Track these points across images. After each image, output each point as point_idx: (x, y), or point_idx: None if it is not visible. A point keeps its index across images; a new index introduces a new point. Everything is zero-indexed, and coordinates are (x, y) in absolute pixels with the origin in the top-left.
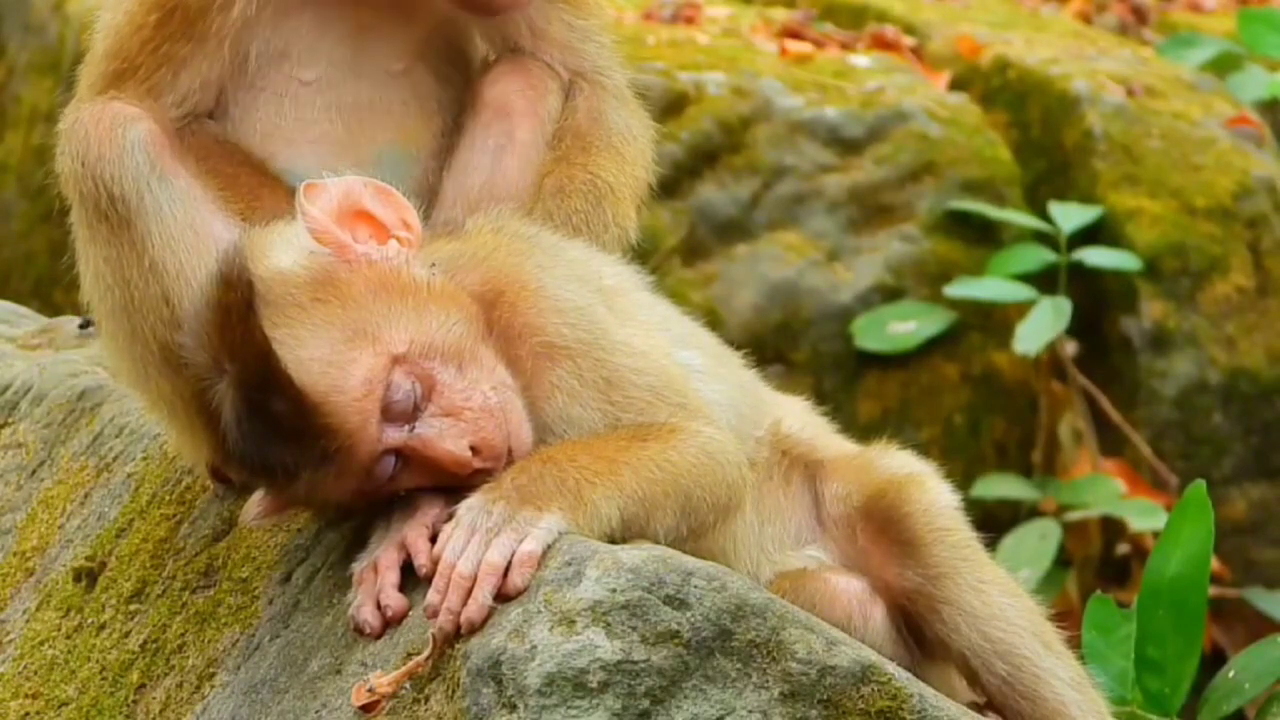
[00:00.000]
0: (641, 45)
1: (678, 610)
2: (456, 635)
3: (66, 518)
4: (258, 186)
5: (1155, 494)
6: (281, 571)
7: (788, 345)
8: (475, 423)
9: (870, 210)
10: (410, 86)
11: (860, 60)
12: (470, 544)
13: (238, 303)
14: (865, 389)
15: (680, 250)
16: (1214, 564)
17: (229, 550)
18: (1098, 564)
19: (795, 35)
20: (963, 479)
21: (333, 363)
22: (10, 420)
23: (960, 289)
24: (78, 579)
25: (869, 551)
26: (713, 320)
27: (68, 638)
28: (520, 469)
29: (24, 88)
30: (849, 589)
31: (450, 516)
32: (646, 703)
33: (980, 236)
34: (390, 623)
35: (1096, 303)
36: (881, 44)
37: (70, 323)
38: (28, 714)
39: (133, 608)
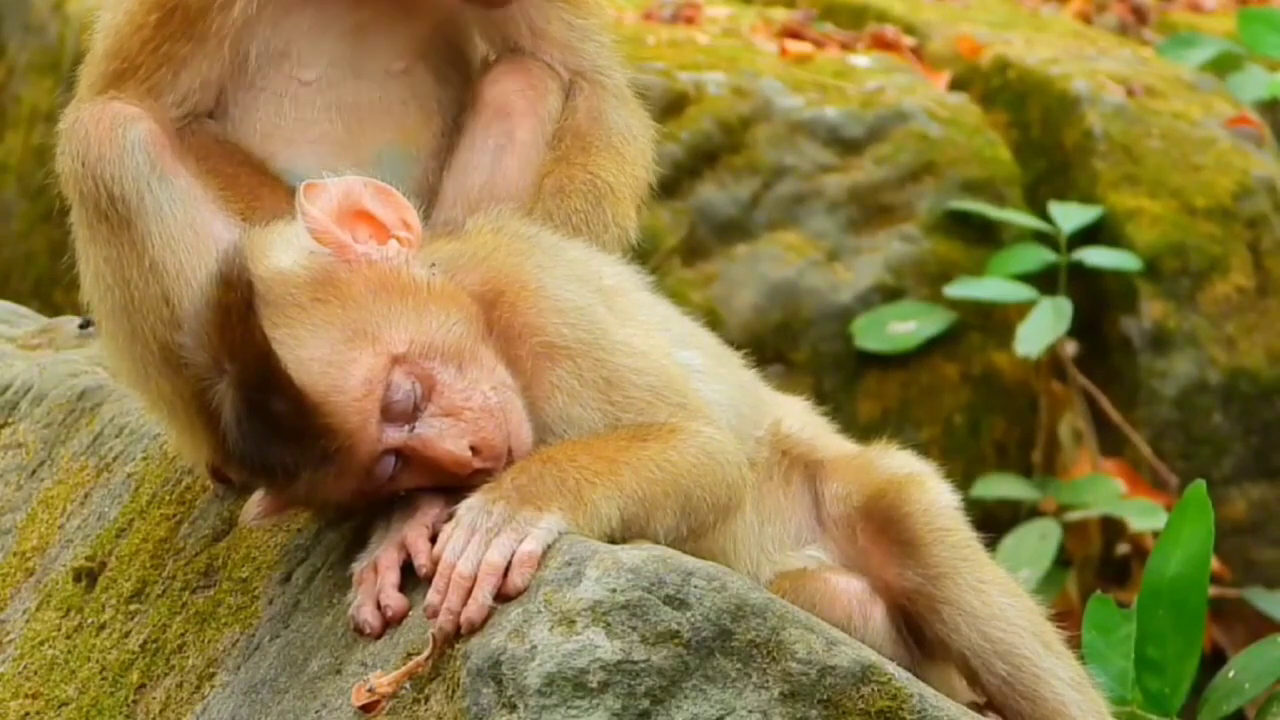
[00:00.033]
0: (641, 45)
1: (678, 610)
2: (456, 635)
3: (66, 518)
4: (258, 186)
5: (1155, 494)
6: (281, 571)
7: (788, 345)
8: (475, 423)
9: (870, 210)
10: (410, 86)
11: (860, 60)
12: (470, 544)
13: (238, 303)
14: (865, 389)
15: (680, 250)
16: (1214, 564)
17: (229, 550)
18: (1098, 564)
19: (795, 35)
20: (963, 479)
21: (333, 363)
22: (10, 420)
23: (960, 289)
24: (78, 579)
25: (869, 551)
26: (713, 320)
27: (68, 638)
28: (520, 469)
29: (24, 88)
30: (849, 589)
31: (450, 516)
32: (646, 703)
33: (980, 236)
34: (390, 623)
35: (1096, 303)
36: (881, 44)
37: (70, 323)
38: (28, 714)
39: (133, 608)
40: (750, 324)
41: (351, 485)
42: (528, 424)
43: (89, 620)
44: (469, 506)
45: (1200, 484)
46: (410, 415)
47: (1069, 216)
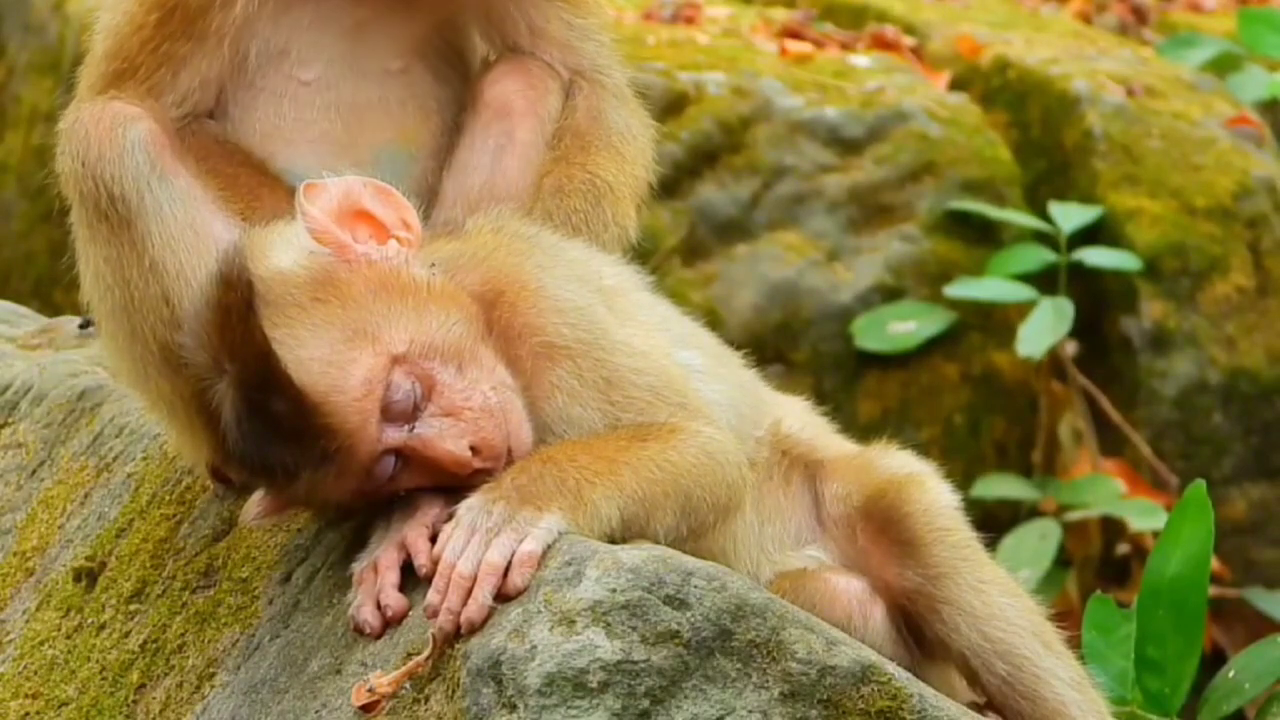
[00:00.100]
0: (641, 45)
1: (678, 610)
2: (456, 635)
3: (66, 518)
4: (258, 186)
5: (1155, 494)
6: (281, 571)
7: (788, 345)
8: (475, 423)
9: (870, 210)
10: (409, 85)
11: (860, 60)
12: (470, 544)
13: (238, 303)
14: (865, 389)
15: (680, 250)
16: (1214, 564)
17: (229, 550)
18: (1098, 564)
19: (795, 35)
20: (963, 479)
21: (332, 363)
22: (10, 420)
23: (960, 289)
24: (78, 579)
25: (869, 551)
26: (713, 320)
27: (68, 638)
28: (520, 469)
29: (24, 88)
30: (849, 589)
31: (450, 516)
32: (646, 703)
33: (980, 236)
34: (390, 623)
35: (1096, 303)
36: (881, 44)
37: (70, 323)
38: (28, 714)
39: (133, 608)
40: (750, 324)
41: (351, 485)
42: (528, 424)
43: (89, 620)
44: (469, 506)
45: (1200, 484)
46: (410, 415)
47: (1069, 216)
